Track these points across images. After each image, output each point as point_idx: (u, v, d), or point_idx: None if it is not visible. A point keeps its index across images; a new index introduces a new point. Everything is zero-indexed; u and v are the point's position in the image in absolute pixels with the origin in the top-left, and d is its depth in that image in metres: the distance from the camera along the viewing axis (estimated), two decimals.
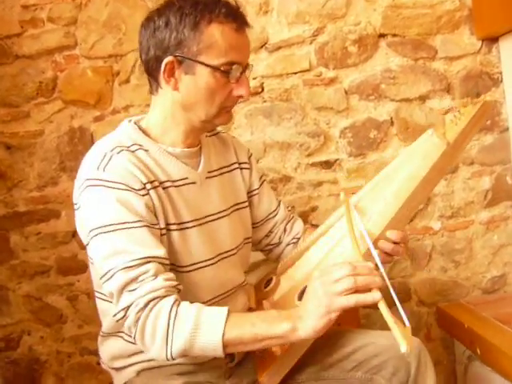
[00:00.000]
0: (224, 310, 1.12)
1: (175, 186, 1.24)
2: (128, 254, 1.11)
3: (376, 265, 1.14)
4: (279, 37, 1.94)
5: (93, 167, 1.16)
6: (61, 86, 1.91)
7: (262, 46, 1.94)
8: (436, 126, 1.39)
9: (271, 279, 1.54)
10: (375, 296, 1.04)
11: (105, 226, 1.12)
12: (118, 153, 1.17)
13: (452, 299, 2.01)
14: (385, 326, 1.98)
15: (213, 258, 1.29)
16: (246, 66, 1.23)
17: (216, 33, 1.16)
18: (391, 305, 1.04)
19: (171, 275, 1.15)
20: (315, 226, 1.95)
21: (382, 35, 1.96)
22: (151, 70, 1.22)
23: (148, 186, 1.17)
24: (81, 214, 1.18)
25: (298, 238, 1.53)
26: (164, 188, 1.21)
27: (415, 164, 1.33)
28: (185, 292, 1.22)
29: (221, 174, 1.37)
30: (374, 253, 1.16)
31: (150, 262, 1.12)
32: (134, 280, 1.10)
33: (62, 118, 1.92)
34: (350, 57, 1.95)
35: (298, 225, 1.54)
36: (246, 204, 1.43)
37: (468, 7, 1.97)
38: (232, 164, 1.42)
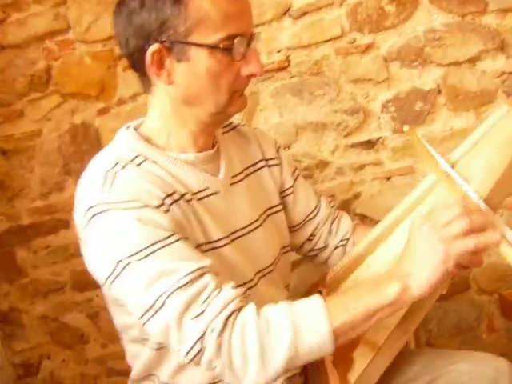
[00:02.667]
0: (317, 298, 0.92)
1: (197, 199, 1.03)
2: (176, 272, 0.90)
3: None
4: (304, 0, 1.66)
5: (95, 192, 0.95)
6: (56, 77, 1.68)
7: (284, 13, 1.66)
8: (510, 100, 1.17)
9: (321, 292, 1.34)
10: (496, 235, 0.88)
11: (135, 254, 0.91)
12: (123, 168, 0.96)
13: None
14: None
15: (251, 280, 1.09)
16: (251, 37, 1.00)
17: (204, 3, 0.94)
18: None
19: (233, 282, 0.94)
20: (365, 220, 1.74)
21: None
22: (137, 64, 1.01)
23: (168, 200, 0.96)
24: (92, 250, 0.98)
25: (348, 239, 1.33)
26: (186, 201, 1.00)
27: (493, 153, 1.11)
28: None
29: (247, 175, 1.17)
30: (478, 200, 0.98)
31: (205, 273, 0.91)
32: (194, 301, 0.89)
33: (61, 115, 1.70)
34: (388, 18, 1.67)
35: (346, 222, 1.33)
36: (280, 207, 1.23)
37: None
38: (258, 162, 1.21)
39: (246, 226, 1.12)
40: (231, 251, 1.06)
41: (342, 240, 1.32)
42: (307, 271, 1.60)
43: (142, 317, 0.94)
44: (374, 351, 1.04)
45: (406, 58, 1.70)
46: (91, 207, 0.94)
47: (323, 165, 1.73)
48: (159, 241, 0.92)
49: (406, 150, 1.74)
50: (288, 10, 1.67)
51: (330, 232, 1.32)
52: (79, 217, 0.97)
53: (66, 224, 1.72)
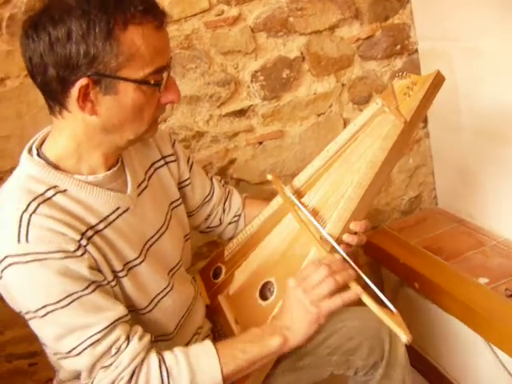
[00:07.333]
0: (209, 347, 1.05)
1: (109, 224, 1.06)
2: (90, 327, 0.98)
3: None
4: None
5: (12, 240, 0.94)
6: None
7: None
8: (384, 95, 1.30)
9: (219, 268, 1.45)
10: (357, 291, 1.03)
11: (51, 305, 0.96)
12: (35, 211, 0.96)
13: (375, 225, 2.05)
14: None
15: (169, 284, 1.18)
16: (170, 64, 1.02)
17: (136, 38, 0.93)
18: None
19: (140, 329, 1.05)
20: (241, 183, 1.84)
21: None
22: (53, 93, 0.97)
23: (83, 241, 0.99)
24: (8, 290, 1.00)
25: (239, 215, 1.45)
26: (98, 232, 1.04)
27: (371, 148, 1.25)
28: (152, 332, 1.11)
29: (149, 178, 1.21)
30: (340, 250, 1.13)
31: (116, 326, 1.00)
32: (106, 353, 0.99)
33: None
34: None
35: (236, 199, 1.45)
36: (180, 200, 1.30)
37: None
38: (157, 161, 1.26)
39: (156, 233, 1.17)
40: (146, 264, 1.12)
41: (234, 216, 1.43)
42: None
43: (55, 354, 1.03)
44: None
45: (272, 28, 1.76)
46: (8, 256, 0.94)
47: (199, 135, 1.78)
48: (75, 292, 0.97)
49: (274, 116, 1.84)
50: None
51: (223, 210, 1.42)
52: None
53: None
